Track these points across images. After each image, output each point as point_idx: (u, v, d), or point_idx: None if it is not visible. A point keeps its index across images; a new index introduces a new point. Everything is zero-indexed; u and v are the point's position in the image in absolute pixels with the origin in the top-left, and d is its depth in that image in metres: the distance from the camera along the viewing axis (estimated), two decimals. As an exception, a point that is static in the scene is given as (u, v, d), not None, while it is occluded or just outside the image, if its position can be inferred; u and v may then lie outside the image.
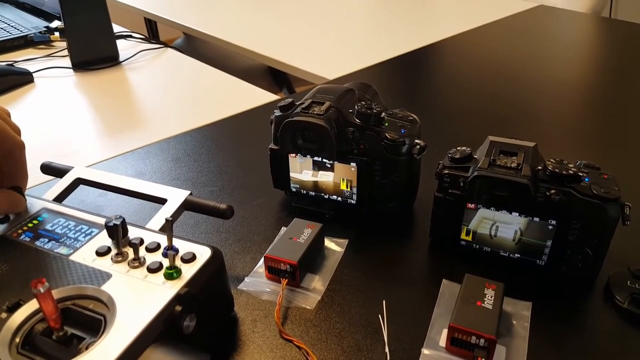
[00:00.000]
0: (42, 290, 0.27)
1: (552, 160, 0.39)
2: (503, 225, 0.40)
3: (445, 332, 0.34)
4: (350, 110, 0.44)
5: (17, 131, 0.38)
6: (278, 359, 0.34)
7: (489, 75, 0.82)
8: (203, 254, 0.34)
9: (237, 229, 0.46)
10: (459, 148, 0.41)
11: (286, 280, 0.39)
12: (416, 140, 0.44)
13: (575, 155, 0.43)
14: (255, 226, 0.47)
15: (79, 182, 0.44)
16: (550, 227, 0.38)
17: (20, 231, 0.37)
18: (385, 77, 0.84)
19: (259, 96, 0.78)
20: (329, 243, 0.45)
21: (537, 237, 0.39)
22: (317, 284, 0.40)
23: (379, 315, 0.37)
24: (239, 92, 0.81)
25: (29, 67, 0.87)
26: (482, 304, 0.34)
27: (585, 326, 0.37)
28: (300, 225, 0.43)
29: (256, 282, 0.40)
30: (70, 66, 0.88)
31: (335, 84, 0.48)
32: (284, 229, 0.45)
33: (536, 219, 0.39)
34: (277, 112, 0.46)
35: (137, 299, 0.30)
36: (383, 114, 0.44)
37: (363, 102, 0.44)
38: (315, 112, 0.43)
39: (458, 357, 0.33)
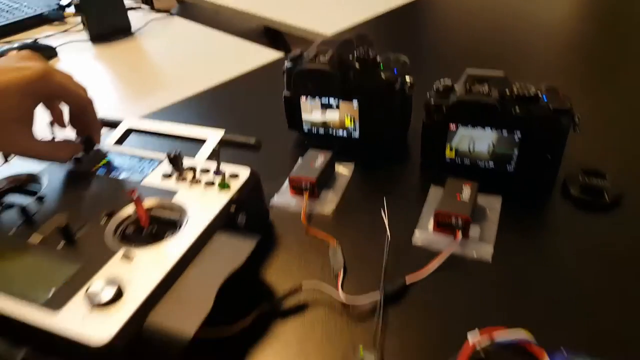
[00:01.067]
0: (136, 196, 0.38)
1: (517, 84, 0.48)
2: (479, 141, 0.50)
3: (432, 218, 0.45)
4: (350, 57, 0.53)
5: (85, 90, 0.48)
6: (306, 248, 0.45)
7: (479, 25, 0.90)
8: (244, 172, 0.44)
9: (261, 163, 0.56)
10: (441, 80, 0.51)
11: (307, 193, 0.49)
12: (407, 79, 0.53)
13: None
14: (276, 160, 0.57)
15: (130, 131, 0.54)
16: (516, 138, 0.48)
17: (95, 168, 0.47)
18: (381, 29, 0.92)
19: (266, 55, 0.86)
20: (338, 167, 0.55)
21: (506, 148, 0.49)
22: (332, 197, 0.51)
23: (382, 209, 0.47)
24: (245, 52, 0.89)
25: (50, 43, 0.95)
26: (461, 197, 0.44)
27: (544, 212, 0.47)
28: (315, 154, 0.53)
29: (283, 199, 0.51)
30: (88, 39, 0.96)
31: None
32: (300, 159, 0.55)
33: (505, 133, 0.48)
34: (288, 64, 0.55)
35: (201, 204, 0.40)
36: (378, 58, 0.53)
37: (361, 49, 0.53)
38: (321, 61, 0.53)
39: (442, 235, 0.44)
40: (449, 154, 0.52)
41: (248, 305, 0.38)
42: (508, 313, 0.37)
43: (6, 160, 0.48)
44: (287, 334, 0.37)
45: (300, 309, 0.39)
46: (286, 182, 0.52)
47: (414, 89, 0.54)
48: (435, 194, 0.49)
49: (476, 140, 0.50)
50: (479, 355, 0.33)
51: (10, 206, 0.42)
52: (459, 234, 0.42)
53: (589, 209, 0.47)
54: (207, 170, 0.44)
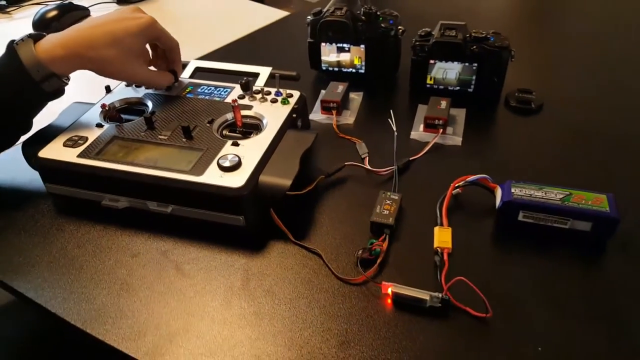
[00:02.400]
0: (236, 104, 0.57)
1: (474, 30, 0.70)
2: (449, 71, 0.72)
3: (422, 122, 0.67)
4: (358, 12, 0.73)
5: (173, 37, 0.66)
6: (339, 147, 0.66)
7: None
8: (296, 93, 0.64)
9: (292, 93, 0.76)
10: (423, 29, 0.72)
11: (335, 111, 0.70)
12: (399, 27, 0.74)
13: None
14: (303, 91, 0.77)
15: (197, 70, 0.72)
16: (474, 67, 0.70)
17: (184, 93, 0.66)
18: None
19: (272, 13, 1.04)
20: (352, 95, 0.75)
21: (468, 75, 0.71)
22: (350, 114, 0.72)
23: (389, 119, 0.69)
24: (253, 12, 1.07)
25: (82, 3, 1.09)
26: (440, 107, 0.66)
27: (493, 117, 0.71)
28: (336, 84, 0.73)
29: (316, 116, 0.71)
30: (114, 1, 1.11)
31: (343, -3, 0.77)
32: (322, 91, 0.75)
33: (467, 64, 0.70)
34: (312, 17, 0.75)
35: (272, 113, 0.60)
36: (378, 12, 0.73)
37: (365, 6, 0.73)
38: (337, 14, 0.72)
39: (428, 132, 0.66)
40: (429, 81, 0.74)
41: (311, 179, 0.58)
42: (474, 169, 0.60)
43: (110, 91, 0.66)
44: (336, 194, 0.58)
45: (343, 180, 0.60)
46: (317, 104, 0.72)
47: (403, 35, 0.75)
48: (421, 109, 0.71)
49: (447, 71, 0.72)
50: (457, 191, 0.56)
51: (129, 120, 0.61)
52: (440, 130, 0.64)
53: (522, 114, 0.70)
54: (269, 92, 0.64)
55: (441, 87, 0.74)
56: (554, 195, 0.50)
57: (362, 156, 0.63)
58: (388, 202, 0.54)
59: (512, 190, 0.51)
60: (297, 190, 0.53)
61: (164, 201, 0.54)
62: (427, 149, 0.63)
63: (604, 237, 0.50)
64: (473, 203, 0.56)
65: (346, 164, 0.60)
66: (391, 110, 0.69)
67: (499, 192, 0.53)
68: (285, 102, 0.62)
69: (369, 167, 0.60)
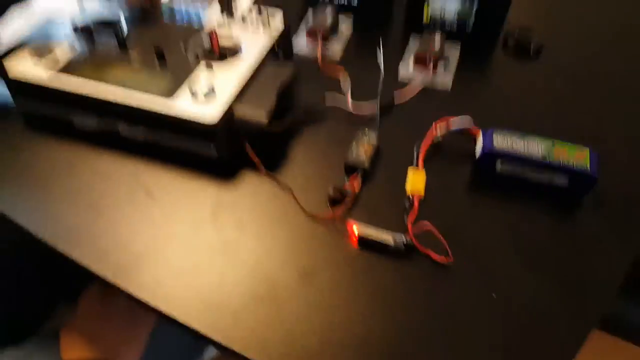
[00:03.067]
0: (213, 30, 0.54)
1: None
2: (447, 8, 0.68)
3: (412, 59, 0.63)
4: None
5: None
6: (321, 79, 0.63)
7: None
8: (278, 13, 0.60)
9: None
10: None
11: (321, 41, 0.66)
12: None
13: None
14: (290, 15, 0.73)
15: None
16: (474, 6, 0.66)
17: (159, 13, 0.61)
18: None
19: None
20: (341, 26, 0.71)
21: (466, 13, 0.67)
22: (338, 45, 0.68)
23: (377, 53, 0.65)
24: None
25: None
26: (433, 44, 0.63)
27: (489, 58, 0.67)
28: (324, 9, 0.69)
29: (300, 43, 0.68)
30: None
31: None
32: (310, 15, 0.70)
33: (465, 1, 0.66)
34: None
35: (253, 41, 0.57)
36: None
37: None
38: None
39: (418, 70, 0.63)
40: (426, 20, 0.70)
41: (289, 113, 0.56)
42: (461, 113, 0.57)
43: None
44: (314, 131, 0.56)
45: (323, 115, 0.58)
46: (302, 28, 0.68)
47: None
48: (414, 41, 0.68)
49: (446, 8, 0.68)
50: (437, 140, 0.54)
51: (101, 38, 0.57)
52: (430, 67, 0.62)
53: (520, 56, 0.67)
54: (250, 11, 0.60)
55: (438, 25, 0.70)
56: (535, 146, 0.48)
57: (345, 93, 0.60)
58: (365, 142, 0.52)
59: (494, 137, 0.49)
60: (274, 123, 0.52)
61: (135, 124, 0.53)
62: (414, 90, 0.61)
63: (580, 194, 0.49)
64: (453, 149, 0.54)
65: (327, 100, 0.58)
66: (380, 45, 0.66)
67: (479, 139, 0.51)
68: (266, 24, 0.58)
69: (351, 105, 0.58)
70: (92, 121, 0.54)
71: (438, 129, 0.54)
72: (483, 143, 0.50)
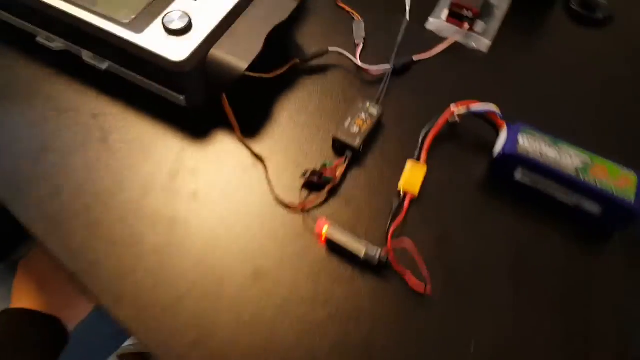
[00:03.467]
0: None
1: None
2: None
3: (446, 10, 0.51)
4: None
5: None
6: (334, 19, 0.52)
7: None
8: None
9: None
10: None
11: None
12: None
13: None
14: None
15: None
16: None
17: None
18: None
19: None
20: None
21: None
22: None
23: None
24: None
25: None
26: (477, -7, 0.50)
27: (544, 20, 0.54)
28: None
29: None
30: None
31: None
32: None
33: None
34: None
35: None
36: None
37: None
38: None
39: (452, 24, 0.51)
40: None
41: (283, 60, 0.47)
42: (490, 96, 0.47)
43: None
44: (310, 86, 0.47)
45: (324, 68, 0.48)
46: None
47: None
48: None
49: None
50: (454, 119, 0.44)
51: None
52: (465, 25, 0.49)
53: (585, 23, 0.53)
54: None
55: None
56: (569, 158, 0.38)
57: (356, 42, 0.50)
58: (363, 115, 0.43)
59: (519, 137, 0.39)
60: (261, 72, 0.43)
61: (99, 54, 0.45)
62: (440, 48, 0.49)
63: (613, 228, 0.40)
64: (468, 137, 0.44)
65: (330, 49, 0.47)
66: None
67: (502, 135, 0.41)
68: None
69: (359, 61, 0.48)
70: (57, 43, 0.46)
71: (456, 109, 0.44)
72: (506, 139, 0.40)
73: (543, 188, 0.40)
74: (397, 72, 0.48)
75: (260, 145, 0.43)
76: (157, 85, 0.43)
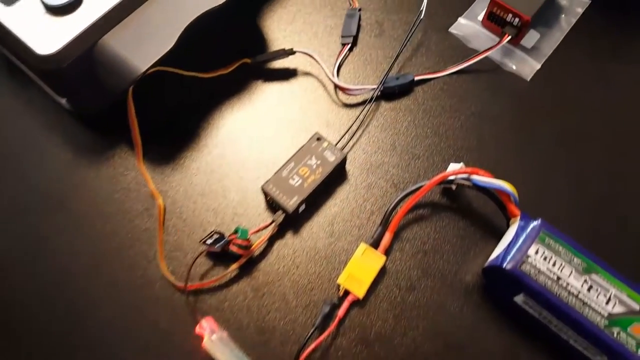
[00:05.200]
0: None
1: None
2: None
3: (484, 8, 0.35)
4: None
5: None
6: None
7: None
8: None
9: None
10: None
11: None
12: None
13: None
14: None
15: None
16: None
17: None
18: None
19: None
20: None
21: None
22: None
23: None
24: None
25: None
26: (535, -12, 0.33)
27: (628, 27, 0.36)
28: None
29: None
30: None
31: None
32: None
33: None
34: None
35: None
36: None
37: None
38: None
39: (489, 31, 0.35)
40: None
41: (235, 54, 0.33)
42: (513, 159, 0.32)
43: None
44: (264, 98, 0.33)
45: (287, 75, 0.34)
46: None
47: None
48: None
49: None
50: (450, 185, 0.30)
51: None
52: (507, 37, 0.33)
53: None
54: None
55: None
56: (603, 299, 0.24)
57: (342, 41, 0.35)
58: (314, 160, 0.30)
59: (532, 247, 0.25)
60: (197, 68, 0.31)
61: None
62: (458, 66, 0.34)
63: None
64: (458, 223, 0.30)
65: (297, 50, 0.33)
66: None
67: (511, 231, 0.27)
68: None
69: (335, 75, 0.33)
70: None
71: (455, 175, 0.29)
72: (508, 245, 0.26)
73: (548, 323, 0.25)
74: (387, 96, 0.33)
75: (168, 180, 0.31)
76: (35, 78, 0.32)
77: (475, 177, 0.28)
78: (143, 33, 0.28)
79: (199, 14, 0.29)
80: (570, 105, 0.33)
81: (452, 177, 0.28)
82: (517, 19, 0.33)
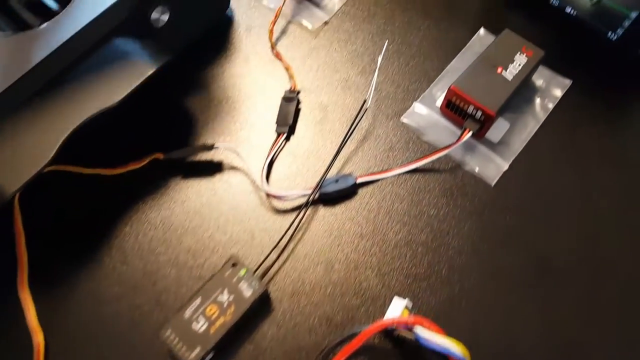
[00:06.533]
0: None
1: None
2: (586, -23, 0.30)
3: (442, 96, 0.30)
4: None
5: None
6: (263, 72, 0.32)
7: None
8: None
9: None
10: None
11: (291, -9, 0.33)
12: None
13: None
14: None
15: None
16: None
17: None
18: None
19: None
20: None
21: (622, 3, 0.29)
22: (327, 4, 0.34)
23: (377, 51, 0.32)
24: None
25: None
26: (503, 72, 0.28)
27: (622, 119, 0.31)
28: None
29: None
30: None
31: None
32: None
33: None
34: None
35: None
36: None
37: None
38: None
39: (449, 120, 0.30)
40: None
41: (148, 146, 0.28)
42: (474, 295, 0.26)
43: None
44: (183, 198, 0.28)
45: (210, 170, 0.29)
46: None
47: None
48: (479, 45, 0.32)
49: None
50: (394, 331, 0.24)
51: None
52: (468, 132, 0.28)
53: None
54: None
55: (555, 2, 0.33)
56: None
57: (277, 129, 0.30)
58: (225, 296, 0.24)
59: None
60: (100, 163, 0.26)
61: None
62: (408, 166, 0.28)
63: None
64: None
65: (219, 145, 0.28)
66: (385, 44, 0.32)
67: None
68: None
69: (263, 179, 0.28)
70: None
71: (397, 325, 0.24)
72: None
73: None
74: (326, 201, 0.28)
75: (59, 308, 0.25)
76: None
77: (419, 331, 0.22)
78: (12, 148, 0.23)
79: (84, 119, 0.23)
80: (542, 222, 0.27)
81: (392, 327, 0.23)
82: (479, 113, 0.27)
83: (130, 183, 0.28)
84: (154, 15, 0.27)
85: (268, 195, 0.28)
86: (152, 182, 0.28)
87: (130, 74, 0.24)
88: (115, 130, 0.29)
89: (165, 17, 0.28)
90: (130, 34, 0.26)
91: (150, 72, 0.24)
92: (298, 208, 0.27)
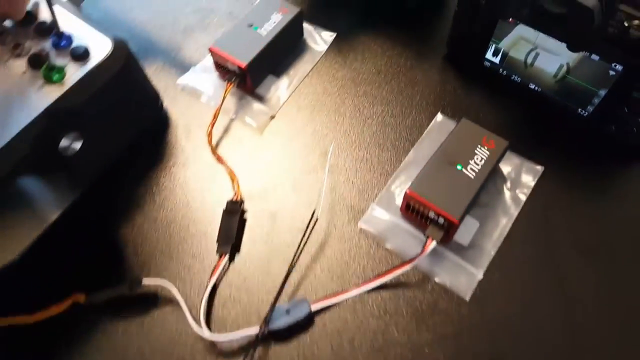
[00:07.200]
0: None
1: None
2: (546, 55, 0.27)
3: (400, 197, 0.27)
4: None
5: None
6: (203, 179, 0.29)
7: None
8: (101, 48, 0.25)
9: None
10: None
11: (231, 84, 0.30)
12: None
13: None
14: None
15: None
16: (612, 72, 0.26)
17: None
18: None
19: None
20: (310, 35, 0.34)
21: (589, 81, 0.27)
22: (279, 92, 0.32)
23: (328, 156, 0.29)
24: None
25: None
26: (465, 170, 0.25)
27: (617, 198, 0.28)
28: (273, 4, 0.32)
29: (200, 77, 0.32)
30: None
31: None
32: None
33: (595, 57, 0.26)
34: None
35: (7, 103, 0.23)
36: None
37: None
38: None
39: (411, 224, 0.26)
40: (492, 56, 0.30)
41: (69, 287, 0.24)
42: None
43: None
44: (112, 341, 0.24)
45: (141, 309, 0.25)
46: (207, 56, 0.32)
47: None
48: (438, 130, 0.29)
49: (541, 53, 0.28)
50: None
51: None
52: (431, 242, 0.25)
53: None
54: (47, 31, 0.25)
55: (515, 78, 0.30)
56: None
57: (219, 249, 0.26)
58: None
59: None
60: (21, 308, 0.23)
61: None
62: (372, 284, 0.25)
63: None
64: None
65: (145, 282, 0.24)
66: (331, 147, 0.29)
67: None
68: (51, 77, 0.24)
69: (201, 322, 0.24)
70: None
71: None
72: None
73: None
74: (277, 336, 0.24)
75: None
76: None
77: None
78: None
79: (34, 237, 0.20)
80: (526, 340, 0.24)
81: None
82: (441, 219, 0.24)
83: (48, 330, 0.24)
84: (63, 143, 0.24)
85: (208, 341, 0.24)
86: (74, 328, 0.24)
87: (31, 223, 0.21)
88: (27, 269, 0.25)
89: (77, 145, 0.25)
90: (34, 171, 0.23)
91: (55, 217, 0.21)
92: (246, 349, 0.23)
